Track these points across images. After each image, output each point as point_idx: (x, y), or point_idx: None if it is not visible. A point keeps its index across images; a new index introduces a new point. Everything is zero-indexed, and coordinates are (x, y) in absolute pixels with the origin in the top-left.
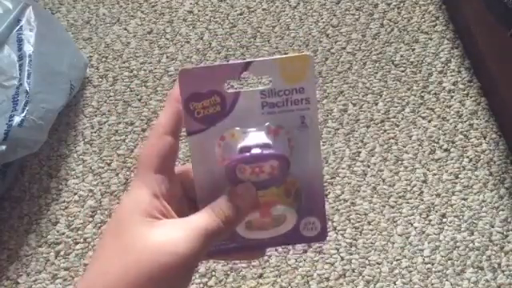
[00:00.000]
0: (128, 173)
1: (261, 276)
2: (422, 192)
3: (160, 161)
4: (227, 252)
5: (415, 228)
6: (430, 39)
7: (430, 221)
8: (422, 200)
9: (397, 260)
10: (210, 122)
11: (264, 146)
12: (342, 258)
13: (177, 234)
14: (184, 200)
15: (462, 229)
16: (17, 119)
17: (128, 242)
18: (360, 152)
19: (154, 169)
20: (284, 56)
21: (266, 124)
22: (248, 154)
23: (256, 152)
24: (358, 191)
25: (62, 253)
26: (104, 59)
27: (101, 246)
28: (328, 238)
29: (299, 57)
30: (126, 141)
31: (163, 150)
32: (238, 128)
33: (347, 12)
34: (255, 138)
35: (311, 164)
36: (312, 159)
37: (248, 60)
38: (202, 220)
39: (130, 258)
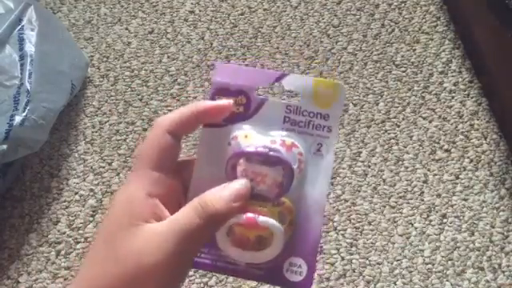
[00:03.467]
0: (129, 172)
1: None
2: (422, 192)
3: (159, 158)
4: (205, 268)
5: (416, 228)
6: (431, 40)
7: (431, 221)
8: (423, 200)
9: (397, 260)
10: (230, 120)
11: (273, 150)
12: (343, 258)
13: (162, 237)
14: (183, 197)
15: (463, 229)
16: (18, 119)
17: (114, 249)
18: (361, 152)
19: (152, 166)
20: (319, 78)
21: (281, 136)
22: (256, 149)
23: (264, 150)
24: (359, 191)
25: (62, 252)
26: (105, 59)
27: (92, 248)
28: None
29: (333, 84)
30: (127, 140)
31: (164, 147)
32: (252, 131)
33: (348, 12)
34: (267, 143)
35: (315, 197)
36: (317, 192)
37: (285, 72)
38: (187, 218)
39: (114, 269)
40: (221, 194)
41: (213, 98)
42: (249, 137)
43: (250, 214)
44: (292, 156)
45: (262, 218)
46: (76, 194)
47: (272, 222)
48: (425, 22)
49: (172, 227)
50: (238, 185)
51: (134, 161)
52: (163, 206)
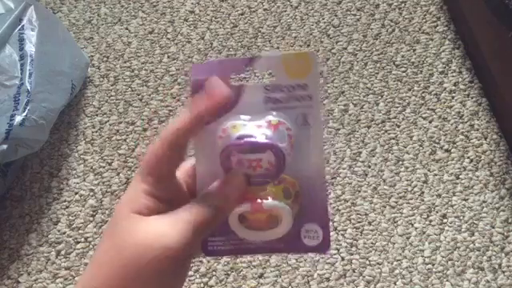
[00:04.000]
0: (129, 172)
1: (261, 276)
2: (422, 192)
3: (158, 167)
4: (223, 254)
5: (416, 228)
6: (431, 40)
7: (431, 221)
8: (423, 200)
9: (397, 260)
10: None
11: (258, 136)
12: (343, 258)
13: (164, 227)
14: (184, 197)
15: (463, 229)
16: (18, 118)
17: (117, 239)
18: (361, 152)
19: (151, 172)
20: (288, 52)
21: (267, 118)
22: (242, 140)
23: (250, 140)
24: (359, 191)
25: (62, 252)
26: (105, 59)
27: (98, 245)
28: (330, 250)
29: (302, 54)
30: (127, 140)
31: (163, 158)
32: (239, 121)
33: (348, 12)
34: (254, 129)
35: (313, 165)
36: (314, 160)
37: (253, 55)
38: (189, 211)
39: (118, 256)
40: (217, 191)
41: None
42: (237, 127)
43: (255, 202)
44: (280, 134)
45: (266, 202)
46: (76, 193)
47: (276, 203)
48: (425, 22)
49: (177, 220)
50: (232, 178)
51: (139, 163)
52: (162, 205)
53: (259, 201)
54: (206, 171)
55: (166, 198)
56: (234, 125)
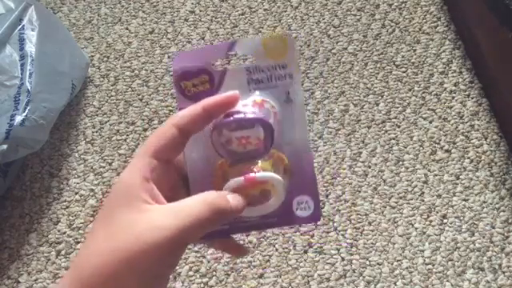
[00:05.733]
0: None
1: (261, 276)
2: (422, 193)
3: (160, 148)
4: (215, 236)
5: (416, 229)
6: (432, 40)
7: (431, 221)
8: (423, 201)
9: (397, 261)
10: (200, 99)
11: (246, 112)
12: (343, 259)
13: (159, 221)
14: (178, 189)
15: (463, 230)
16: (18, 118)
17: (116, 229)
18: (361, 152)
19: (151, 153)
20: (266, 36)
21: (252, 97)
22: (231, 117)
23: (239, 116)
24: (359, 192)
25: (62, 252)
26: (105, 59)
27: (92, 231)
28: (321, 219)
29: (280, 36)
30: (127, 140)
31: (165, 138)
32: None
33: (349, 12)
34: (240, 107)
35: (298, 139)
36: (299, 134)
37: (233, 40)
38: (193, 210)
39: (109, 244)
40: (229, 196)
41: (178, 86)
42: None
43: (248, 175)
44: (266, 111)
45: (259, 174)
46: (76, 193)
47: (269, 174)
48: (425, 22)
49: (179, 215)
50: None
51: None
52: (158, 191)
53: (252, 174)
54: (195, 155)
55: (161, 182)
56: None
